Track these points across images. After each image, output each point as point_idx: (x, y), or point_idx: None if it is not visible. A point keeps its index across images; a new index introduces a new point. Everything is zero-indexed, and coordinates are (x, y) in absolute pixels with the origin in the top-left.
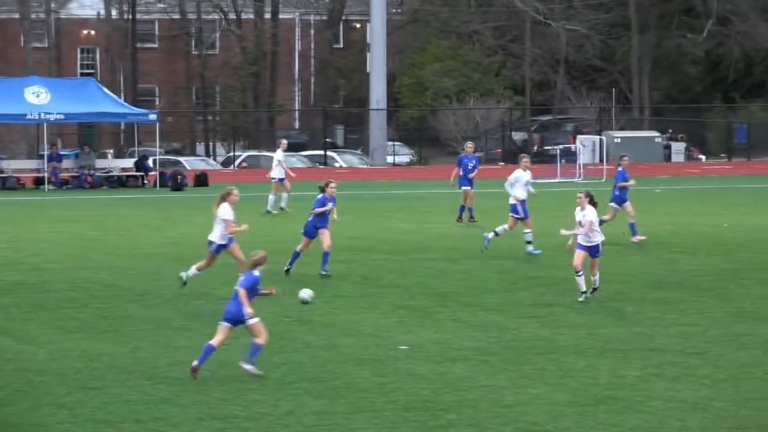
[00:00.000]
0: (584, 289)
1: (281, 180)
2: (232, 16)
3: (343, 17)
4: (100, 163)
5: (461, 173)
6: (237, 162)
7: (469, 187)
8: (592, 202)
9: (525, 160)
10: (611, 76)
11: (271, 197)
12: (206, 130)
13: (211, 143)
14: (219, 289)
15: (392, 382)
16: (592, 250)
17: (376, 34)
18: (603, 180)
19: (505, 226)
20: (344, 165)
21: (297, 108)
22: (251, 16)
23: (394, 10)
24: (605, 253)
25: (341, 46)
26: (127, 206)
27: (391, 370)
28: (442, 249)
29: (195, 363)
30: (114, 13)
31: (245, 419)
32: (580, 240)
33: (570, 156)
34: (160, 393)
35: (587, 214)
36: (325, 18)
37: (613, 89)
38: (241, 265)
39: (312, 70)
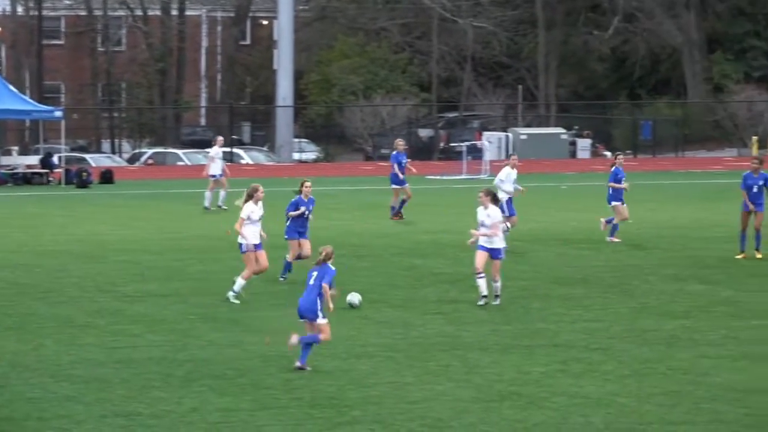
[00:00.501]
0: (485, 293)
1: (217, 176)
2: (139, 12)
3: (250, 14)
4: (4, 160)
5: (394, 170)
6: (143, 159)
7: (399, 186)
8: (495, 201)
9: (514, 157)
10: (518, 72)
11: (207, 194)
12: (112, 127)
13: (116, 140)
14: (123, 286)
15: (297, 378)
16: (494, 252)
17: (283, 30)
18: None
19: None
20: (250, 162)
21: (203, 105)
22: (158, 12)
23: (301, 7)
24: (511, 249)
25: (248, 42)
26: (31, 203)
27: None
28: (349, 246)
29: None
30: (20, 9)
31: (149, 416)
32: (482, 241)
33: (476, 153)
34: (63, 390)
35: (491, 213)
36: (231, 15)
37: (520, 86)
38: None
39: (218, 67)
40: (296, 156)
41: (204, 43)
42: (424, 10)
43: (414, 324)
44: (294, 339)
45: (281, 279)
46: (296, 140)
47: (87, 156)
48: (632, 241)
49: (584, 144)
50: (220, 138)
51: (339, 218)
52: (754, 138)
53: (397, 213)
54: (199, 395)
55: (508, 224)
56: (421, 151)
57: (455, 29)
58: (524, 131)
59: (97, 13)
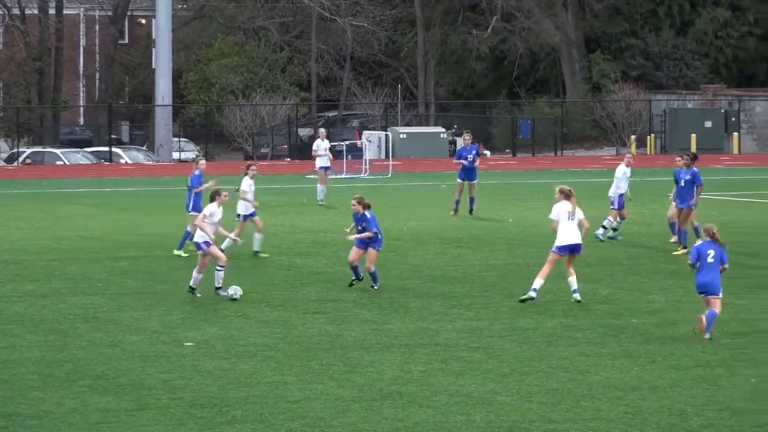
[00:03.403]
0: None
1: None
2: (16, 11)
3: (129, 13)
4: None
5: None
6: (21, 158)
7: (465, 180)
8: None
9: (628, 156)
10: (397, 72)
11: (320, 188)
12: None
13: None
14: (2, 286)
15: (178, 378)
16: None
17: (162, 29)
18: (389, 176)
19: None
20: (129, 161)
21: (82, 104)
22: (35, 11)
23: (179, 6)
24: (391, 248)
25: (126, 42)
26: None
27: (177, 367)
28: (235, 247)
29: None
30: None
31: (29, 417)
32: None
33: (356, 152)
34: None
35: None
36: (110, 14)
37: (399, 85)
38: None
39: (97, 66)
40: (175, 155)
41: (82, 42)
42: (302, 9)
43: (294, 323)
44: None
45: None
46: (175, 139)
47: None
48: (511, 240)
49: None
50: (323, 130)
51: None
52: (633, 137)
53: (471, 209)
54: (80, 395)
55: (618, 218)
56: (301, 151)
57: (334, 28)
58: (404, 130)
59: None
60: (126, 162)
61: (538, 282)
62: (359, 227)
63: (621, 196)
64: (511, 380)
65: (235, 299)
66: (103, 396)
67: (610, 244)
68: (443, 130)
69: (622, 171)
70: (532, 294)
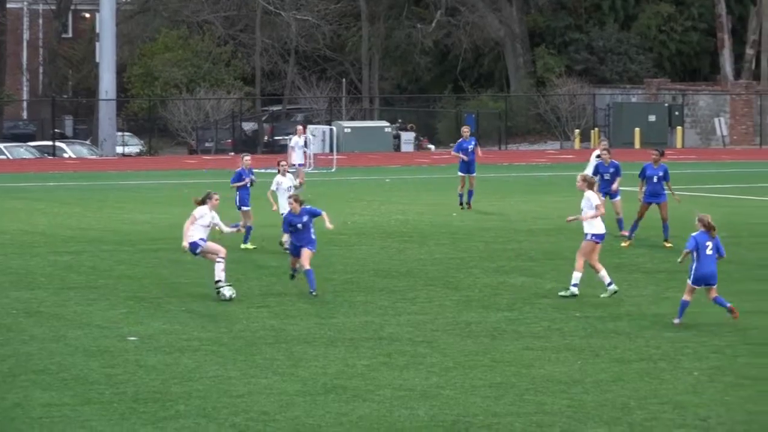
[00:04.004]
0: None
1: (297, 166)
2: None
3: (72, 7)
4: None
5: (465, 158)
6: None
7: (466, 174)
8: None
9: (603, 143)
10: (341, 66)
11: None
12: None
13: None
14: None
15: (121, 373)
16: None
17: (105, 23)
18: (333, 170)
19: None
20: (73, 156)
21: (25, 98)
22: None
23: (123, 0)
24: (335, 242)
25: (70, 35)
26: None
27: (120, 362)
28: (173, 239)
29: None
30: None
31: None
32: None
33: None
34: None
35: (589, 198)
36: (53, 7)
37: (344, 79)
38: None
39: (41, 60)
40: (119, 150)
41: (25, 36)
42: (247, 2)
43: (239, 318)
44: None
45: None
46: (119, 134)
47: None
48: (455, 234)
49: (408, 137)
50: (300, 127)
51: (163, 212)
52: (576, 131)
53: (468, 202)
54: (23, 390)
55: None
56: (246, 145)
57: (279, 22)
58: (348, 124)
59: None
60: (70, 156)
61: (577, 276)
62: (299, 225)
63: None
64: (455, 374)
65: (230, 299)
66: (46, 391)
67: (555, 239)
68: (387, 124)
69: (594, 159)
70: (575, 290)
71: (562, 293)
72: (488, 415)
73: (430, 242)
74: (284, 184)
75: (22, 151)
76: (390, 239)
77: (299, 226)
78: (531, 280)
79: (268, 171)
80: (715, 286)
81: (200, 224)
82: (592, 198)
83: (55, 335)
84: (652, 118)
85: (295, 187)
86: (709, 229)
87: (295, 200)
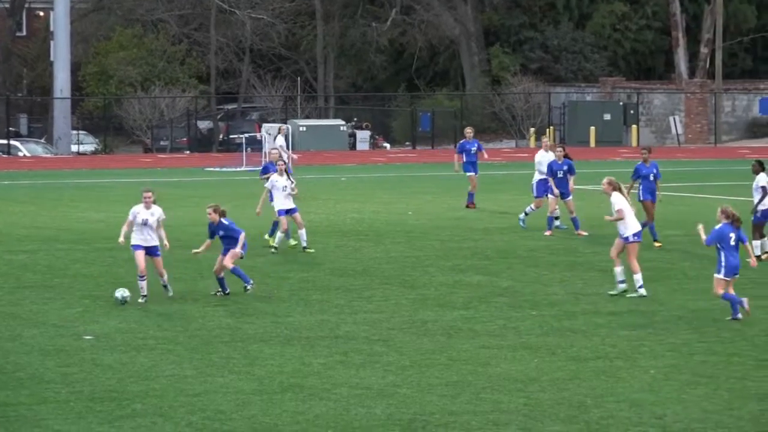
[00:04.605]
0: (621, 278)
1: None
2: None
3: (26, 5)
4: None
5: (464, 159)
6: None
7: (473, 173)
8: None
9: (545, 140)
10: (297, 64)
11: None
12: None
13: None
14: None
15: (77, 372)
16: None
17: (60, 22)
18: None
19: (533, 205)
20: (28, 154)
21: None
22: None
23: None
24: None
25: (24, 34)
26: None
27: (76, 361)
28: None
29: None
30: None
31: None
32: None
33: (256, 144)
34: None
35: (613, 201)
36: (7, 6)
37: (299, 78)
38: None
39: None
40: (74, 148)
41: None
42: (202, 1)
43: (194, 316)
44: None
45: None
46: (74, 132)
47: None
48: (411, 233)
49: (363, 135)
50: (283, 126)
51: (118, 210)
52: (532, 129)
53: (472, 202)
54: None
55: (533, 206)
56: (201, 143)
57: (233, 20)
58: (303, 123)
59: None
60: (24, 155)
61: (620, 271)
62: (219, 234)
63: (539, 182)
64: (412, 372)
65: (125, 301)
66: (2, 390)
67: (510, 237)
68: (343, 122)
69: (540, 157)
70: (624, 286)
71: (612, 292)
72: (445, 413)
73: (386, 241)
74: (279, 183)
75: None
76: (346, 238)
77: (220, 234)
78: (487, 278)
79: (223, 170)
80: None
81: (135, 223)
82: (614, 202)
83: (10, 334)
84: (607, 116)
85: (291, 189)
86: (733, 220)
87: (215, 210)
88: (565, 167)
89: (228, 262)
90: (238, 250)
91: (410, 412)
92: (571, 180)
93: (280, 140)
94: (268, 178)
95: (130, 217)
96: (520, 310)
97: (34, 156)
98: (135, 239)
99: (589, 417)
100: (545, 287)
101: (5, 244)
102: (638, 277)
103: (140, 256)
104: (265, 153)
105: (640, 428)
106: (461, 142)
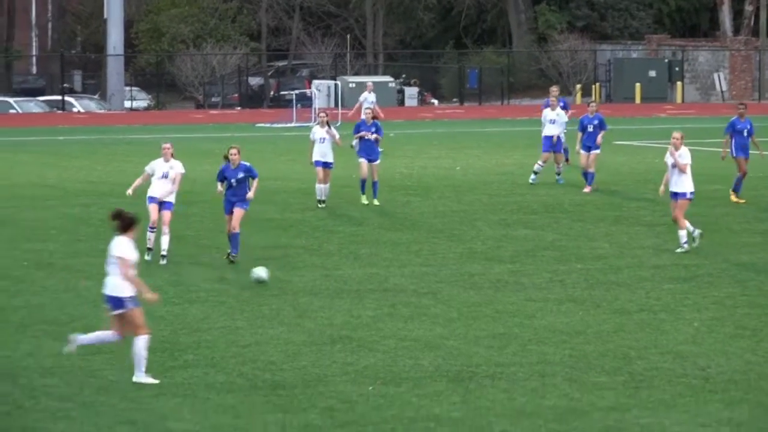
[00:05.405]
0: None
1: None
2: None
3: None
4: None
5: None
6: None
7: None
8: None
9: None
10: (346, 22)
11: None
12: None
13: None
14: None
15: None
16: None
17: None
18: (338, 124)
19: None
20: (82, 110)
21: (34, 53)
22: None
23: None
24: (340, 195)
25: None
26: None
27: None
28: (180, 192)
29: None
30: None
31: None
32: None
33: (306, 100)
34: None
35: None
36: None
37: (348, 35)
38: None
39: (49, 16)
40: (127, 104)
41: None
42: None
43: (245, 270)
44: None
45: (233, 255)
46: (127, 89)
47: None
48: (459, 188)
49: (412, 92)
50: (370, 83)
51: None
52: (578, 86)
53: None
54: (35, 340)
55: (541, 161)
56: (252, 100)
57: None
58: (353, 79)
59: None
60: (78, 111)
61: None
62: (239, 177)
63: (547, 138)
64: (459, 325)
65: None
66: (57, 340)
67: (555, 192)
68: (391, 79)
69: (543, 115)
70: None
71: (679, 250)
72: (491, 364)
73: (434, 195)
74: (317, 134)
75: (32, 105)
76: (394, 192)
77: (233, 182)
78: (533, 232)
79: (273, 126)
80: None
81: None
82: (685, 155)
83: (66, 286)
84: (652, 73)
85: (332, 142)
86: None
87: (239, 152)
88: (596, 121)
89: (236, 223)
90: (251, 194)
91: (457, 363)
92: (601, 134)
93: (372, 97)
94: (361, 137)
95: (147, 171)
96: (566, 263)
97: (88, 112)
98: (151, 191)
99: (633, 369)
100: (590, 241)
101: (60, 198)
102: (684, 234)
103: (154, 209)
104: (314, 109)
105: (684, 380)
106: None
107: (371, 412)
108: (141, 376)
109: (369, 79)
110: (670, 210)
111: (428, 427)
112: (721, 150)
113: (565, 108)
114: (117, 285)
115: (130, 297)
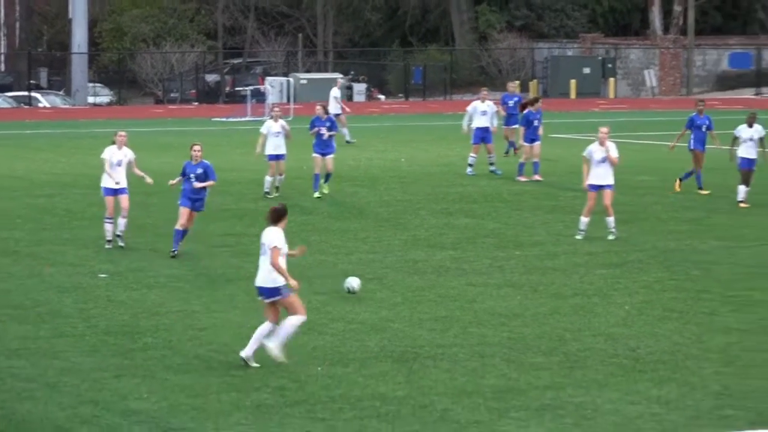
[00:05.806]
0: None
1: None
2: None
3: None
4: None
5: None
6: None
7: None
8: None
9: (484, 92)
10: (298, 21)
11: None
12: None
13: None
14: None
15: (93, 308)
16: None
17: None
18: (290, 119)
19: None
20: (48, 105)
21: (3, 51)
22: None
23: None
24: (292, 186)
25: None
26: None
27: (92, 297)
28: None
29: None
30: None
31: None
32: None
33: (260, 96)
34: None
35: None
36: None
37: (300, 34)
38: None
39: (17, 16)
40: (91, 100)
41: None
42: None
43: (201, 256)
44: None
45: (173, 251)
46: (91, 85)
47: None
48: (404, 179)
49: (360, 88)
50: (339, 80)
51: None
52: (517, 82)
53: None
54: (1, 324)
55: (473, 153)
56: (208, 95)
57: None
58: (304, 76)
59: None
60: (44, 106)
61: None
62: (197, 173)
63: (477, 129)
64: (403, 308)
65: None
66: (23, 324)
67: (496, 183)
68: (341, 76)
69: (473, 107)
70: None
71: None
72: (434, 346)
73: (380, 186)
74: (272, 128)
75: (0, 101)
76: (343, 183)
77: (191, 176)
78: (474, 221)
79: (229, 120)
80: None
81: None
82: (613, 148)
83: (30, 273)
84: (586, 70)
85: (285, 135)
86: None
87: (201, 149)
88: (539, 116)
89: (191, 222)
90: (210, 182)
91: (402, 345)
92: (541, 127)
93: (336, 92)
94: (316, 132)
95: (106, 156)
96: (505, 250)
97: (54, 107)
98: (105, 182)
99: (567, 349)
100: (528, 229)
101: (26, 189)
102: (612, 220)
103: (110, 200)
104: (267, 104)
105: (616, 360)
106: (503, 95)
107: (320, 391)
108: (275, 348)
109: (320, 76)
110: (590, 201)
111: (374, 405)
112: (670, 143)
113: (519, 103)
114: (269, 276)
115: (284, 285)
